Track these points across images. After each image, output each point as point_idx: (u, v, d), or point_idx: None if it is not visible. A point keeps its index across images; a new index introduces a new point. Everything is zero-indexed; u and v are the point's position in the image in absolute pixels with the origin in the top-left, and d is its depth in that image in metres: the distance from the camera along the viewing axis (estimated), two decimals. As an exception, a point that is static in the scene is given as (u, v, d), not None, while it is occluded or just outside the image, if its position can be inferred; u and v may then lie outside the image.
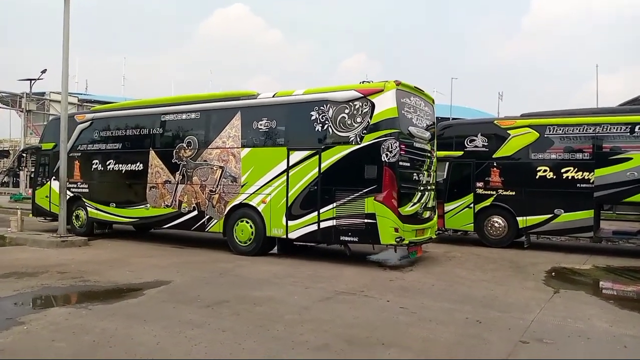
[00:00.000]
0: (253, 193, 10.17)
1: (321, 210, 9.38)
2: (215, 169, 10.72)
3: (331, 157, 9.33)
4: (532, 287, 7.83)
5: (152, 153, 11.73)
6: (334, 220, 9.24)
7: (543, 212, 11.72)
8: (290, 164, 9.75)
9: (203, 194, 10.87)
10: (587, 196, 11.24)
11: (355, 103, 9.14)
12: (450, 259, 10.38)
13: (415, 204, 9.46)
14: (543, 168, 11.74)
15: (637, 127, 10.97)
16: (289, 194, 9.74)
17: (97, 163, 12.73)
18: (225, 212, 10.52)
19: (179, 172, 11.25)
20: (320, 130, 9.49)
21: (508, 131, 12.09)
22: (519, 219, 11.95)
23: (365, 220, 8.94)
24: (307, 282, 7.77)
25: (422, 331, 5.24)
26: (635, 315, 6.30)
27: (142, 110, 12.17)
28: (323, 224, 9.37)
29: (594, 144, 11.37)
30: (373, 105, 8.97)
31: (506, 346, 4.81)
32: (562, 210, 11.49)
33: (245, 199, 10.28)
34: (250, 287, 7.39)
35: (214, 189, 10.71)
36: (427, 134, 10.06)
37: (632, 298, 7.69)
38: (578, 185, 11.35)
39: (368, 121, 8.99)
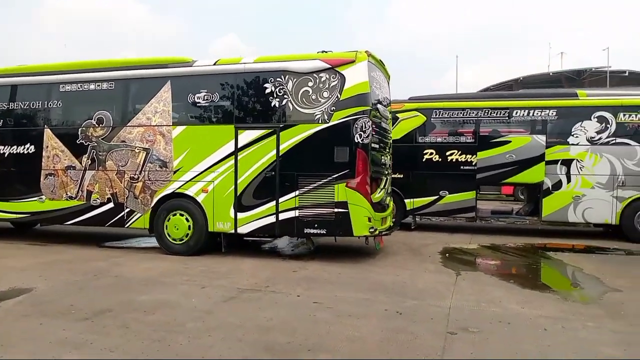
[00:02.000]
0: (190, 180, 8.45)
1: (281, 200, 8.01)
2: (137, 151, 8.75)
3: (292, 138, 7.96)
4: (434, 269, 7.71)
5: (47, 132, 9.32)
6: (297, 211, 7.94)
7: (429, 194, 11.93)
8: (240, 146, 8.20)
9: (121, 182, 8.84)
10: (470, 178, 11.61)
11: (321, 75, 7.87)
12: (346, 244, 9.51)
13: (381, 189, 8.51)
14: (429, 151, 11.92)
15: (514, 112, 11.53)
16: (239, 182, 8.20)
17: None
18: (153, 204, 8.65)
19: (86, 155, 9.05)
20: (277, 105, 8.06)
21: (397, 114, 11.87)
22: (406, 201, 12.05)
23: (335, 210, 7.76)
24: (201, 279, 6.78)
25: (345, 329, 4.76)
26: (537, 293, 6.36)
27: (32, 79, 9.58)
28: (283, 216, 8.01)
29: (476, 127, 11.79)
30: (343, 78, 7.77)
31: (437, 339, 4.52)
32: (447, 192, 11.77)
33: (179, 188, 8.51)
34: (136, 290, 6.19)
35: (136, 176, 8.75)
36: (388, 113, 9.13)
37: (515, 273, 8.02)
38: (462, 167, 11.67)
39: (337, 96, 7.78)
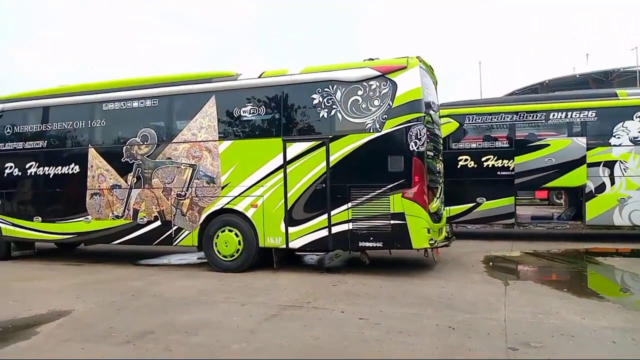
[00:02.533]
0: (239, 196, 8.27)
1: (333, 213, 7.77)
2: (183, 168, 8.62)
3: (343, 148, 7.73)
4: (480, 280, 7.43)
5: (92, 151, 9.27)
6: (350, 224, 7.69)
7: (466, 202, 11.63)
8: (288, 159, 8.00)
9: (168, 199, 8.72)
10: (508, 183, 11.32)
11: (371, 83, 7.64)
12: (381, 255, 9.11)
13: (437, 199, 8.22)
14: (464, 157, 11.64)
15: (551, 114, 11.19)
16: (288, 195, 8.00)
17: (11, 167, 9.93)
18: (201, 221, 8.49)
19: (132, 173, 8.96)
20: (326, 116, 7.85)
21: None
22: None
23: (392, 222, 7.48)
24: (240, 296, 6.59)
25: (398, 347, 4.53)
26: (594, 302, 6.07)
27: (74, 99, 9.55)
28: (336, 229, 7.77)
29: (512, 132, 11.55)
30: (395, 85, 7.52)
31: (498, 355, 4.26)
32: (485, 199, 11.46)
33: (227, 204, 8.35)
34: (176, 309, 6.02)
35: (183, 193, 8.62)
36: (439, 119, 8.87)
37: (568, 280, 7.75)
38: (499, 173, 11.39)
39: (389, 104, 7.53)
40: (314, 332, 5.00)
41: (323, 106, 7.85)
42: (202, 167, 8.48)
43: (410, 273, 7.88)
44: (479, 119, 11.71)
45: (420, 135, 7.42)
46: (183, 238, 8.64)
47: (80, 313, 5.97)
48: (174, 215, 8.67)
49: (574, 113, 11.05)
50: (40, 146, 9.75)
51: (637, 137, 10.58)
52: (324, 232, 7.83)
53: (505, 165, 11.32)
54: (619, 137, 10.69)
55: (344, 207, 7.71)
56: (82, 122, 9.43)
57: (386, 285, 7.10)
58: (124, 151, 9.01)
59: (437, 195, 8.23)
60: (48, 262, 9.90)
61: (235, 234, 8.28)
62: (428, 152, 7.73)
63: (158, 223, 8.79)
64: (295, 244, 8.03)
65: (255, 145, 8.25)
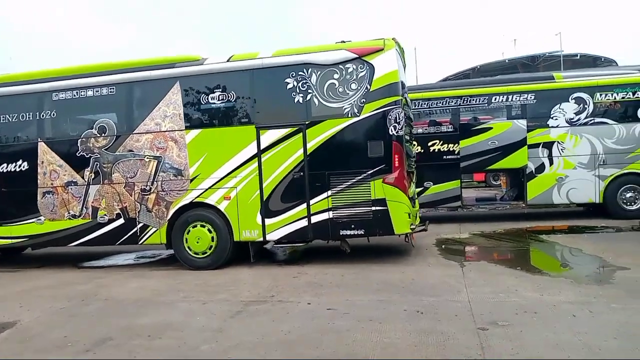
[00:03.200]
0: (210, 188, 7.81)
1: (312, 201, 7.49)
2: (147, 160, 8.04)
3: (320, 135, 7.44)
4: (436, 263, 7.54)
5: (42, 146, 8.48)
6: (331, 212, 7.43)
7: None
8: (263, 147, 7.63)
9: (131, 195, 8.12)
10: (454, 167, 11.47)
11: (348, 66, 7.37)
12: (331, 244, 8.98)
13: (413, 183, 8.11)
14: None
15: (493, 98, 11.42)
16: (264, 185, 7.63)
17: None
18: (169, 217, 7.97)
19: (89, 168, 8.27)
20: (301, 101, 7.51)
21: None
22: None
23: (373, 208, 7.29)
24: (199, 295, 6.35)
25: (372, 336, 4.50)
26: (548, 279, 6.33)
27: (17, 88, 8.69)
28: (315, 218, 7.49)
29: (457, 116, 11.64)
30: (372, 68, 7.29)
31: (471, 337, 4.32)
32: (432, 183, 11.58)
33: (198, 197, 7.87)
34: (132, 312, 5.73)
35: (147, 188, 8.04)
36: (410, 101, 8.74)
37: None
38: (445, 157, 11.51)
39: (367, 87, 7.30)
40: (284, 326, 4.87)
41: (298, 91, 7.50)
42: (168, 159, 7.95)
43: (368, 260, 7.81)
44: (424, 104, 11.72)
45: (399, 119, 7.25)
46: (150, 236, 8.08)
47: (27, 323, 5.49)
48: (138, 212, 8.09)
49: (514, 96, 11.29)
50: (-19, 142, 8.84)
51: (572, 119, 10.93)
52: (303, 222, 7.54)
53: (451, 149, 11.44)
54: (556, 119, 11.03)
55: (324, 195, 7.44)
56: (29, 114, 8.60)
57: (347, 273, 7.02)
58: (79, 144, 8.30)
59: (413, 180, 8.13)
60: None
61: (208, 230, 7.82)
62: (405, 136, 7.57)
63: (121, 221, 8.18)
64: (273, 236, 7.68)
65: (226, 134, 7.80)
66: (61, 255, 10.08)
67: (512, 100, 11.31)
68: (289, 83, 7.53)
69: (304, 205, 7.51)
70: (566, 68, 27.04)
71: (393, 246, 8.75)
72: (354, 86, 7.34)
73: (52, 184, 8.44)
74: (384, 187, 7.24)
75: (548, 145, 11.03)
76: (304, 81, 7.48)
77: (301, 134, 7.48)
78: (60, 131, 8.63)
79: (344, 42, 7.72)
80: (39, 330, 5.24)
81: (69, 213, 8.39)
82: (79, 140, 8.30)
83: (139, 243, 8.17)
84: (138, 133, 8.07)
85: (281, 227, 7.61)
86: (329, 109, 7.43)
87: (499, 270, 6.90)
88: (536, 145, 11.05)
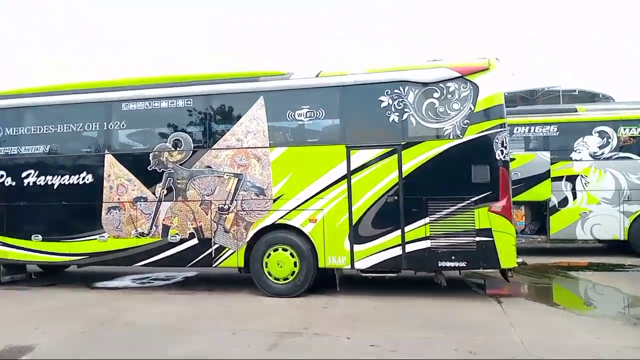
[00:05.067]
0: (294, 209, 7.34)
1: (407, 229, 7.01)
2: (226, 177, 7.58)
3: (417, 157, 7.00)
4: (470, 297, 7.34)
5: (109, 158, 8.01)
6: (428, 241, 6.94)
7: None
8: (353, 168, 7.18)
9: (207, 214, 7.63)
10: None
11: (449, 85, 6.97)
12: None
13: None
14: None
15: (515, 129, 11.17)
16: (354, 209, 7.16)
17: (3, 176, 8.46)
18: (248, 238, 7.48)
19: (160, 184, 7.80)
20: (397, 120, 7.09)
21: None
22: None
23: (477, 239, 6.79)
24: (229, 323, 6.02)
25: None
26: (597, 320, 6.09)
27: (84, 97, 8.24)
28: (411, 247, 7.00)
29: None
30: (476, 88, 6.88)
31: None
32: None
33: (281, 218, 7.39)
34: (159, 340, 5.39)
35: (226, 207, 7.57)
36: None
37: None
38: None
39: (471, 108, 6.89)
40: None
41: (393, 109, 7.08)
42: (250, 177, 7.48)
43: (396, 292, 7.54)
44: None
45: (506, 142, 6.83)
46: (226, 258, 7.58)
47: (47, 348, 5.12)
48: (214, 232, 7.60)
49: (537, 127, 11.15)
50: (39, 152, 8.37)
51: (596, 152, 10.77)
52: (397, 251, 7.04)
53: None
54: (579, 152, 10.87)
55: (421, 222, 6.96)
56: (96, 124, 8.15)
57: (380, 306, 6.73)
58: (151, 158, 7.83)
59: None
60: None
61: (291, 254, 7.33)
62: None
63: (194, 241, 7.68)
64: (361, 264, 7.18)
65: (314, 153, 7.36)
66: (71, 274, 9.76)
67: (534, 131, 11.15)
68: (383, 101, 7.12)
69: (398, 232, 7.03)
70: (564, 103, 27.00)
71: (419, 278, 8.31)
72: (456, 106, 6.93)
73: (119, 199, 7.95)
74: (490, 215, 6.77)
75: (571, 179, 10.86)
76: (400, 99, 7.07)
77: (396, 155, 7.05)
78: (130, 143, 8.19)
79: (436, 60, 7.35)
80: (61, 355, 4.94)
81: (136, 231, 7.89)
82: (151, 154, 7.85)
83: (213, 265, 7.66)
84: (217, 149, 7.62)
85: (372, 254, 7.11)
86: (427, 129, 7.02)
87: (541, 308, 6.64)
88: (559, 179, 10.83)
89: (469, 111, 6.88)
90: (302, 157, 7.39)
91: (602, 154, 10.78)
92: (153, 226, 7.83)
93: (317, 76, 7.45)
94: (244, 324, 5.94)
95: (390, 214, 7.06)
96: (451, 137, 6.92)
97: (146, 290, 8.42)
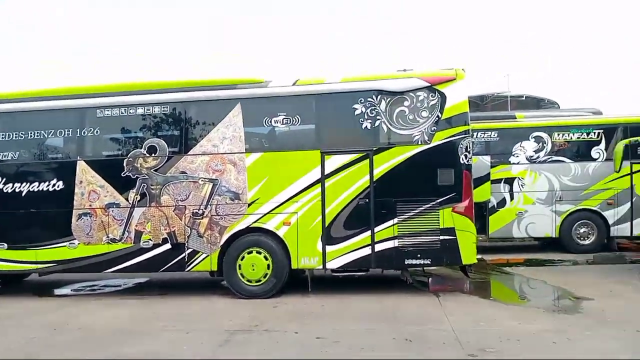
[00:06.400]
0: (268, 213, 7.50)
1: (377, 229, 7.28)
2: (201, 183, 7.68)
3: (388, 161, 7.34)
4: (411, 292, 7.69)
5: (81, 165, 7.96)
6: (396, 241, 7.24)
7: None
8: (327, 172, 7.44)
9: (181, 219, 7.68)
10: None
11: (419, 94, 7.40)
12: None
13: None
14: None
15: None
16: (327, 211, 7.39)
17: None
18: (222, 242, 7.55)
19: (134, 190, 7.81)
20: (369, 127, 7.44)
21: None
22: None
23: (442, 237, 7.15)
24: (180, 324, 6.14)
25: None
26: (521, 308, 6.74)
27: (58, 103, 8.21)
28: (380, 246, 7.27)
29: None
30: (444, 97, 7.34)
31: None
32: None
33: (255, 222, 7.52)
34: (113, 342, 5.47)
35: (200, 211, 7.64)
36: None
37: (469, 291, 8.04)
38: None
39: (438, 116, 7.32)
40: (277, 354, 4.89)
41: (366, 117, 7.44)
42: (225, 182, 7.61)
43: (344, 290, 7.84)
44: None
45: (470, 148, 7.29)
46: (199, 263, 7.61)
47: None
48: (188, 237, 7.64)
49: (479, 133, 11.65)
50: (8, 158, 8.25)
51: (532, 156, 11.50)
52: (367, 250, 7.30)
53: None
54: (517, 156, 11.57)
55: (390, 222, 7.26)
56: (68, 131, 8.14)
57: (327, 303, 7.01)
58: (124, 164, 7.86)
59: None
60: None
61: (264, 257, 7.44)
62: None
63: (167, 246, 7.69)
64: (333, 264, 7.38)
65: (289, 158, 7.59)
66: (20, 282, 9.64)
67: (477, 137, 11.58)
68: (356, 109, 7.47)
69: (368, 233, 7.30)
70: (512, 108, 28.17)
71: (364, 276, 8.41)
72: (424, 114, 7.35)
73: (90, 205, 7.90)
74: (454, 216, 7.15)
75: (509, 181, 11.51)
76: (373, 107, 7.44)
77: (368, 160, 7.36)
78: (104, 150, 8.19)
79: (405, 70, 7.80)
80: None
81: (107, 237, 7.83)
82: (125, 160, 7.88)
83: (186, 270, 7.66)
84: (193, 154, 7.74)
85: (343, 254, 7.33)
86: (398, 135, 7.39)
87: (474, 300, 7.22)
88: (498, 181, 11.42)
89: (437, 118, 7.31)
90: (277, 162, 7.60)
91: (538, 157, 11.45)
92: (125, 232, 7.79)
93: (294, 84, 7.76)
94: (196, 324, 6.08)
95: (361, 216, 7.33)
96: (420, 142, 7.32)
97: (98, 297, 8.39)
